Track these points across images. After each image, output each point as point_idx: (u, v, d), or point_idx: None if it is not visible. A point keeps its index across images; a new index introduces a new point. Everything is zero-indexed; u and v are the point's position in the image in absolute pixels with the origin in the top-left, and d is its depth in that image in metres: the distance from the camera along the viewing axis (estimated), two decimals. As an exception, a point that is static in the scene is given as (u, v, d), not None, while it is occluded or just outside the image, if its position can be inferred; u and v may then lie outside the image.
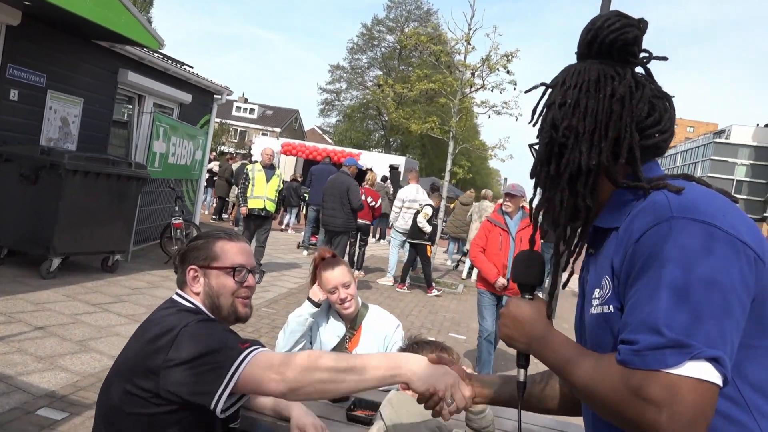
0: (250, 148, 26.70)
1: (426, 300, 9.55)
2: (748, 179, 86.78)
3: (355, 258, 10.74)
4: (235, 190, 16.32)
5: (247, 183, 8.83)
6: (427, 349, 1.93)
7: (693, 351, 0.94)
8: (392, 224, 10.25)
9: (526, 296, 1.34)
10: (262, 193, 8.82)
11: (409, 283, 10.27)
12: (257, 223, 8.89)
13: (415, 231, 10.00)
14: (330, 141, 46.71)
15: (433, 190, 11.64)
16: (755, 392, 1.04)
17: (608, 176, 1.19)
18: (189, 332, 1.63)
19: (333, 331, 2.90)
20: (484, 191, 11.27)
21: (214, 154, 22.23)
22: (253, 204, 8.77)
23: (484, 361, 5.69)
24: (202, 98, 11.75)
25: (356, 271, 10.94)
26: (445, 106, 11.08)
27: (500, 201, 6.04)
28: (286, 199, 15.01)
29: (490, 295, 5.67)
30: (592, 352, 1.15)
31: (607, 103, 1.17)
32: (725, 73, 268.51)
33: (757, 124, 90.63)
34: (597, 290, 1.17)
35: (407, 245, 10.34)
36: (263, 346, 1.65)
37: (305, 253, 12.38)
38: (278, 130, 51.44)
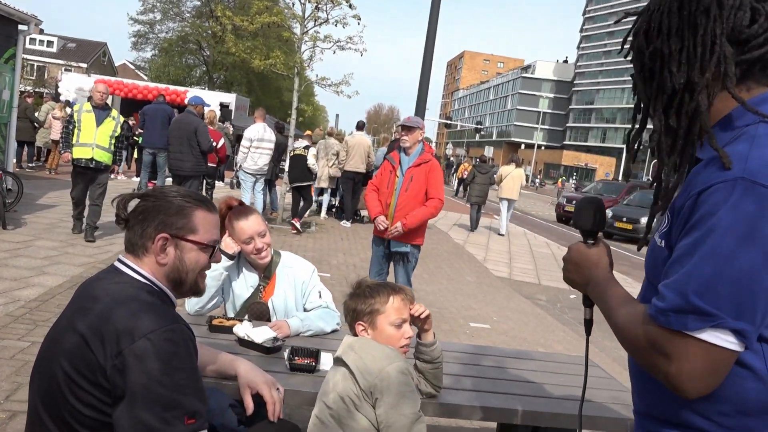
0: (56, 86, 23.62)
1: (282, 241, 9.47)
2: (550, 111, 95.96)
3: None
4: (43, 134, 14.53)
5: (71, 127, 7.30)
6: (385, 292, 1.92)
7: (716, 320, 0.98)
8: (240, 165, 9.87)
9: (589, 241, 1.36)
10: (89, 140, 7.21)
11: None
12: (88, 176, 7.39)
13: (300, 173, 10.00)
14: (145, 77, 43.02)
15: (279, 130, 11.35)
16: None
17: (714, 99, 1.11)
18: (149, 355, 1.42)
19: (246, 282, 2.78)
20: (330, 128, 11.21)
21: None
22: (79, 153, 7.21)
23: None
24: (4, 28, 10.12)
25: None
26: (289, 41, 10.68)
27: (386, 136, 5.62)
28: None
29: (377, 239, 5.07)
30: (633, 300, 1.22)
31: (690, 18, 1.10)
32: (528, 10, 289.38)
33: (557, 60, 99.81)
34: (661, 224, 1.19)
35: (258, 186, 10.07)
36: (204, 427, 1.50)
37: (143, 200, 11.52)
38: (84, 65, 46.25)
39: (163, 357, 1.44)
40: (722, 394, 1.06)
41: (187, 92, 21.31)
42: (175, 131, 8.14)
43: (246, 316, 2.71)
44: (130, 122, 14.45)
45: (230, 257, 2.67)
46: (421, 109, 9.34)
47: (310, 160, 10.23)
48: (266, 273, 2.79)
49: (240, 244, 2.67)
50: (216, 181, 11.19)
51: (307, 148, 10.36)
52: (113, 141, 7.41)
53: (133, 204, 1.69)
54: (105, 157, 7.36)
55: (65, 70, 38.22)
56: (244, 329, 2.38)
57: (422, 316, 2.00)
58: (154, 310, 1.52)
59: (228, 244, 2.66)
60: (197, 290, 1.72)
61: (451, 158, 39.83)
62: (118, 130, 7.48)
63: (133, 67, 52.69)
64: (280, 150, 10.78)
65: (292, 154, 10.35)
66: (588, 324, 1.44)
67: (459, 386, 2.29)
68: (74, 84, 21.78)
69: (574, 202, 19.73)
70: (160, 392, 1.41)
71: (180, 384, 1.45)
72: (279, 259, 2.83)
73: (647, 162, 46.38)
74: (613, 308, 1.21)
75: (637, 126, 1.25)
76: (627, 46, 1.24)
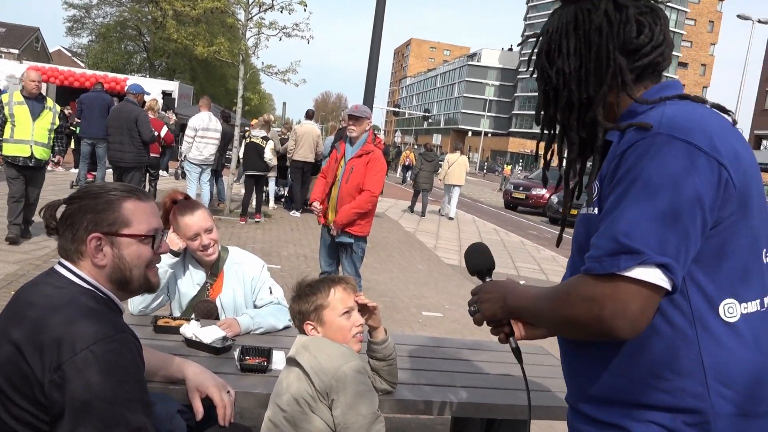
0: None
1: (231, 232, 9.26)
2: (496, 98, 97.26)
3: (150, 192, 9.94)
4: None
5: (3, 121, 6.47)
6: (325, 286, 1.86)
7: (643, 257, 1.04)
8: (185, 156, 9.58)
9: (487, 279, 1.51)
10: (27, 136, 6.42)
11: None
12: (26, 175, 6.58)
13: (256, 162, 9.90)
14: (82, 64, 41.31)
15: (225, 119, 11.07)
16: (704, 305, 1.13)
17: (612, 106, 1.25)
18: (92, 368, 1.33)
19: (192, 279, 2.68)
20: (266, 115, 10.96)
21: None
22: (15, 151, 6.41)
23: None
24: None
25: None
26: (233, 27, 10.39)
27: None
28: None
29: (324, 229, 5.00)
30: (554, 285, 1.30)
31: (585, 37, 1.22)
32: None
33: (502, 48, 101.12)
34: (590, 194, 1.27)
35: (204, 177, 9.81)
36: None
37: (82, 193, 11.06)
38: (16, 51, 43.94)
39: (107, 370, 1.34)
40: (653, 356, 1.13)
41: (127, 80, 20.60)
42: (114, 121, 7.81)
43: (193, 315, 2.61)
44: (66, 111, 13.84)
45: (175, 254, 2.55)
46: (369, 96, 9.27)
47: (268, 155, 10.02)
48: (213, 270, 2.69)
49: (185, 240, 2.56)
50: (160, 172, 10.83)
51: (265, 139, 10.12)
52: (52, 135, 6.72)
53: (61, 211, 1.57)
54: (45, 154, 6.67)
55: (-5, 56, 36.31)
56: (192, 329, 2.29)
57: (370, 305, 1.95)
58: (97, 317, 1.41)
59: (172, 240, 2.55)
60: (149, 286, 1.61)
61: (399, 146, 39.92)
62: (57, 121, 6.80)
63: (69, 54, 50.47)
64: (226, 139, 10.51)
65: (247, 141, 10.09)
66: (517, 353, 1.47)
67: (415, 380, 2.26)
68: (5, 71, 20.68)
69: (521, 188, 20.11)
70: (104, 408, 1.32)
71: (125, 398, 1.36)
72: (227, 255, 2.73)
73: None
74: (537, 296, 1.28)
75: (546, 139, 1.37)
76: (531, 68, 1.34)
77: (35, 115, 6.52)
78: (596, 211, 1.20)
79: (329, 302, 1.84)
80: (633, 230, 1.06)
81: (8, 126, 6.42)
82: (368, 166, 4.70)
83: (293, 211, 11.74)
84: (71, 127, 12.72)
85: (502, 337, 1.43)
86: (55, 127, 6.73)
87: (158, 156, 9.98)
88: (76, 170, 11.88)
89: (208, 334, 2.27)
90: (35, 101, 6.58)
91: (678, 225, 1.06)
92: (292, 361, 1.82)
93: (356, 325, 1.87)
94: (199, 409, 1.81)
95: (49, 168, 7.34)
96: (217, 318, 2.61)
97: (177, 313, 2.69)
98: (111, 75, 21.79)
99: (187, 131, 9.44)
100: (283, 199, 12.92)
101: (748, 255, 1.15)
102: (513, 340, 1.44)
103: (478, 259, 1.56)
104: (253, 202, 10.38)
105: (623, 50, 1.20)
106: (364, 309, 1.94)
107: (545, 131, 1.36)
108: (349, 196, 4.69)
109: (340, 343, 1.83)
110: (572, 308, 1.13)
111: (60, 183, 11.76)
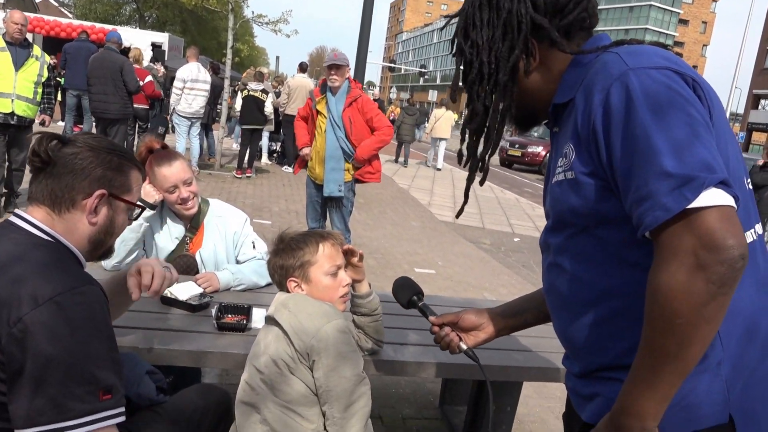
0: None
1: (221, 187, 9.09)
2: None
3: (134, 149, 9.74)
4: None
5: None
6: (313, 241, 1.71)
7: (702, 180, 0.93)
8: (174, 108, 9.30)
9: (420, 305, 1.64)
10: (7, 89, 5.49)
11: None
12: (8, 135, 5.70)
13: (255, 115, 9.72)
14: (70, 15, 40.21)
15: (214, 71, 10.74)
16: None
17: (543, 62, 1.23)
18: (58, 321, 1.21)
19: (170, 233, 2.53)
20: (259, 68, 10.66)
21: None
22: None
23: None
24: None
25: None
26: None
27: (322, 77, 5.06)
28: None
29: (310, 182, 4.82)
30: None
31: (496, 5, 1.20)
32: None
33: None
34: (561, 159, 1.18)
35: (194, 131, 9.56)
36: (121, 404, 1.30)
37: (69, 146, 10.81)
38: (1, 0, 42.73)
39: (74, 323, 1.23)
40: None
41: (115, 30, 19.98)
42: (96, 70, 7.51)
43: (171, 271, 2.47)
44: (52, 61, 13.42)
45: (151, 207, 2.40)
46: (362, 51, 8.97)
47: (269, 108, 9.84)
48: (193, 223, 2.54)
49: (162, 192, 2.41)
50: (161, 128, 10.47)
51: (264, 92, 9.85)
52: (39, 88, 5.75)
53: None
54: (30, 111, 5.71)
55: (-21, 5, 35.19)
56: (167, 286, 2.15)
57: (355, 256, 1.81)
58: (62, 268, 1.30)
59: (148, 192, 2.39)
60: (110, 252, 1.54)
61: (394, 102, 39.41)
62: (45, 72, 5.81)
63: (56, 4, 49.01)
64: (216, 92, 10.22)
65: (245, 95, 9.80)
66: (471, 354, 1.54)
67: (404, 341, 2.15)
68: (11, 12, 20.01)
69: (517, 146, 19.90)
70: (71, 364, 1.21)
71: (94, 355, 1.25)
72: (207, 208, 2.58)
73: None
74: (640, 367, 1.01)
75: (472, 120, 1.32)
76: (453, 50, 1.31)
77: (18, 64, 5.58)
78: (574, 174, 1.12)
79: (317, 259, 1.69)
80: (674, 160, 0.95)
81: None
82: (365, 108, 4.59)
83: (286, 167, 11.54)
84: (57, 78, 12.35)
85: (454, 342, 1.53)
86: (42, 79, 5.79)
87: (147, 108, 9.68)
88: (63, 123, 11.59)
89: (184, 290, 2.15)
90: (19, 48, 5.63)
91: (703, 140, 0.97)
92: (270, 320, 1.69)
93: (343, 284, 1.73)
94: (132, 288, 1.61)
95: (35, 127, 6.12)
96: (197, 273, 2.47)
97: (154, 269, 2.55)
98: (99, 26, 21.12)
99: (176, 83, 9.15)
100: (275, 155, 12.69)
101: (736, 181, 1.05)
102: (464, 344, 1.51)
103: (403, 292, 1.64)
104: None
105: (546, 12, 1.19)
106: (350, 256, 1.80)
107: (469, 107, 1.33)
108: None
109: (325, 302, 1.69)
110: (675, 300, 0.93)
111: (46, 136, 11.45)
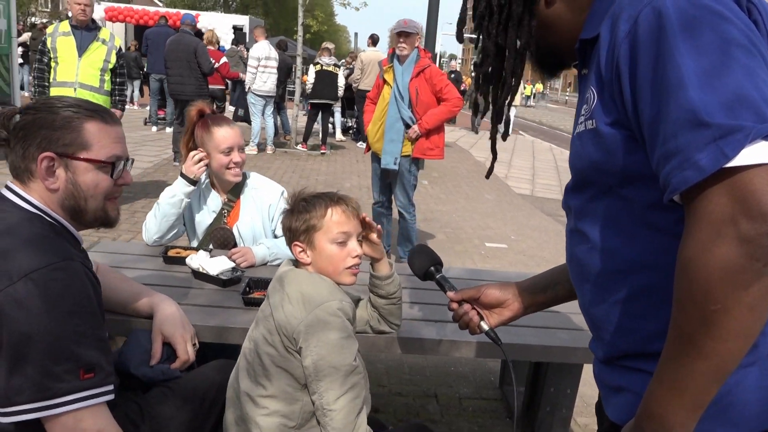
0: (67, 16, 22.97)
1: (295, 165, 9.18)
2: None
3: None
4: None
5: (46, 59, 4.99)
6: (322, 204, 1.57)
7: (746, 131, 0.72)
8: (249, 88, 9.43)
9: (437, 276, 1.43)
10: (70, 77, 4.91)
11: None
12: None
13: (328, 90, 9.68)
14: (160, 3, 41.92)
15: (282, 48, 10.79)
16: None
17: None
18: (33, 299, 1.16)
19: (208, 206, 2.49)
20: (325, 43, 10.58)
21: (22, 25, 19.05)
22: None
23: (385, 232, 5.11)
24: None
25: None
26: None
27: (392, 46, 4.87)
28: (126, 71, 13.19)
29: (374, 156, 4.74)
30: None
31: None
32: None
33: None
34: (584, 107, 0.97)
35: (268, 110, 9.68)
36: (107, 383, 1.26)
37: (155, 129, 11.28)
38: (98, -7, 45.18)
39: (51, 300, 1.18)
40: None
41: (199, 16, 20.60)
42: (172, 53, 7.71)
43: (211, 246, 2.44)
44: (133, 47, 14.01)
45: (191, 182, 2.35)
46: (432, 21, 8.71)
47: (341, 81, 9.86)
48: (231, 196, 2.49)
49: (216, 154, 2.36)
50: (240, 110, 10.69)
51: (337, 66, 9.86)
52: (106, 76, 5.11)
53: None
54: (96, 102, 5.23)
55: None
56: (198, 260, 2.11)
57: (373, 231, 1.65)
58: (38, 244, 1.24)
59: (190, 168, 2.34)
60: (107, 220, 1.44)
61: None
62: (112, 58, 5.11)
63: (148, -6, 51.37)
64: (285, 70, 10.27)
65: (318, 69, 9.82)
66: (493, 334, 1.35)
67: (438, 317, 1.99)
68: (85, 12, 21.12)
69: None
70: (48, 342, 1.17)
71: (73, 332, 1.20)
72: (245, 180, 2.52)
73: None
74: (666, 364, 0.82)
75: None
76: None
77: (82, 49, 4.99)
78: (595, 124, 0.93)
79: (323, 224, 1.53)
80: (710, 105, 0.74)
81: (52, 65, 5.05)
82: (434, 80, 4.38)
83: (360, 143, 11.49)
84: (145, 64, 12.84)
85: (473, 321, 1.33)
86: (110, 66, 5.11)
87: (223, 88, 9.87)
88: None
89: (216, 265, 2.09)
90: (85, 31, 5.01)
91: (754, 77, 0.74)
92: (267, 297, 1.58)
93: (352, 255, 1.55)
94: (156, 352, 1.64)
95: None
96: (234, 246, 2.42)
97: (194, 243, 2.53)
98: (183, 12, 21.84)
99: (250, 62, 9.26)
100: (351, 131, 12.67)
101: None
102: (485, 324, 1.33)
103: (419, 262, 1.45)
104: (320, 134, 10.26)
105: None
106: (365, 231, 1.65)
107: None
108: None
109: (330, 273, 1.55)
110: (710, 281, 0.73)
111: (134, 120, 12.03)
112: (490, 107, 1.16)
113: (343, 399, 1.40)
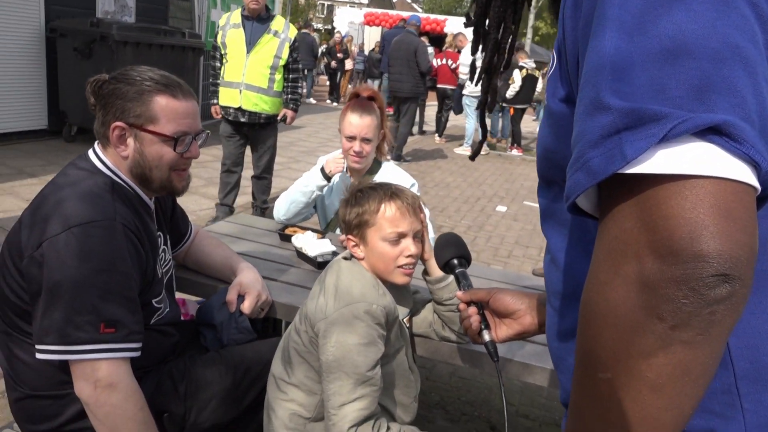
0: (332, 22, 25.41)
1: (504, 168, 9.00)
2: None
3: (442, 122, 10.56)
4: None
5: (218, 55, 4.45)
6: (376, 198, 1.48)
7: (671, 122, 0.46)
8: (463, 89, 9.50)
9: (457, 271, 1.24)
10: (237, 77, 4.31)
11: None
12: (240, 134, 4.50)
13: (527, 96, 9.65)
14: (419, 9, 44.30)
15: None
16: None
17: None
18: (70, 250, 1.28)
19: (339, 192, 2.54)
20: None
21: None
22: (224, 98, 4.36)
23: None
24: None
25: (437, 137, 10.62)
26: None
27: None
28: (368, 70, 14.17)
29: None
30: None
31: None
32: None
33: None
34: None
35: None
36: (130, 340, 1.34)
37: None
38: (365, 1, 49.34)
39: (83, 254, 1.29)
40: None
41: (446, 20, 21.25)
42: (395, 52, 8.08)
43: (338, 230, 2.49)
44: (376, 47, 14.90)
45: (327, 178, 2.43)
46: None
47: (540, 86, 9.54)
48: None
49: (342, 136, 2.44)
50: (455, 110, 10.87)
51: (537, 69, 9.52)
52: (277, 75, 4.34)
53: None
54: (264, 105, 4.36)
55: (350, 6, 41.18)
56: (302, 241, 2.16)
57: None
58: (88, 200, 1.36)
59: (330, 164, 2.41)
60: (172, 189, 1.53)
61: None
62: (284, 53, 4.32)
63: (409, 0, 54.63)
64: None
65: (524, 74, 9.57)
66: (492, 346, 1.11)
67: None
68: (347, 18, 23.18)
69: None
70: (74, 292, 1.28)
71: (99, 287, 1.29)
72: (378, 169, 2.52)
73: None
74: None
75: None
76: None
77: (252, 43, 4.27)
78: (547, 101, 0.72)
79: (376, 220, 1.45)
80: (626, 81, 0.49)
81: (223, 64, 4.42)
82: None
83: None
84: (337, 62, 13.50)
85: (473, 329, 1.11)
86: (281, 62, 4.34)
87: (453, 87, 10.02)
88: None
89: (317, 247, 2.12)
90: (256, 22, 4.29)
91: (714, 20, 0.49)
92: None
93: (405, 254, 1.44)
94: (231, 300, 1.70)
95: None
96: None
97: (322, 225, 2.60)
98: (432, 17, 22.73)
99: (461, 68, 9.30)
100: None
101: None
102: (487, 334, 1.10)
103: (443, 252, 1.26)
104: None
105: None
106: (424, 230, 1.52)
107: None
108: None
109: (381, 272, 1.46)
110: (599, 338, 0.52)
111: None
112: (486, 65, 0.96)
113: (349, 407, 1.31)
